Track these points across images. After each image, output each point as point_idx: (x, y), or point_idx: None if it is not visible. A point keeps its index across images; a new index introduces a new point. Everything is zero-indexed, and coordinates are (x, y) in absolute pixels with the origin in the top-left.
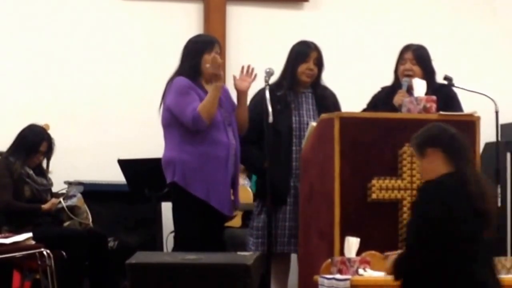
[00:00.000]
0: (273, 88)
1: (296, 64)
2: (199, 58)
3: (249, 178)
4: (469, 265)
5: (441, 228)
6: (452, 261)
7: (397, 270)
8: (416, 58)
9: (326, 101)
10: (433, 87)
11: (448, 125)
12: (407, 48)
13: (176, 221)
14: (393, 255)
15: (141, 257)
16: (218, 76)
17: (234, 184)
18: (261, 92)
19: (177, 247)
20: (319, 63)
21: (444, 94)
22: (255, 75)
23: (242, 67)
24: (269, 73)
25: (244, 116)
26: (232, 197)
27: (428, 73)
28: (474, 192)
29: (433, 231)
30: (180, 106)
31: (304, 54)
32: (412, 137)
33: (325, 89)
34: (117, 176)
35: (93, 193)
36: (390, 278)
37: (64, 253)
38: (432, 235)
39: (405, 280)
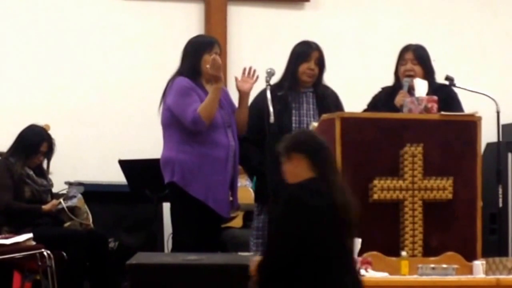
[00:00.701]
0: (274, 88)
1: (297, 64)
2: (199, 58)
3: (251, 178)
4: (330, 271)
5: (301, 231)
6: (312, 266)
7: (259, 273)
8: (417, 58)
9: (327, 100)
10: (433, 87)
11: (318, 134)
12: (407, 49)
13: (174, 221)
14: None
15: (141, 257)
16: (218, 77)
17: (232, 185)
18: (262, 93)
19: (175, 246)
20: (321, 63)
21: (444, 94)
22: (257, 77)
23: (244, 69)
24: (270, 73)
25: (244, 117)
26: (231, 198)
27: (428, 73)
28: (338, 200)
29: (293, 234)
30: (180, 107)
31: (306, 54)
32: (281, 140)
33: (326, 88)
34: (117, 177)
35: (94, 193)
36: (393, 278)
37: (64, 254)
38: (292, 238)
39: (266, 284)
